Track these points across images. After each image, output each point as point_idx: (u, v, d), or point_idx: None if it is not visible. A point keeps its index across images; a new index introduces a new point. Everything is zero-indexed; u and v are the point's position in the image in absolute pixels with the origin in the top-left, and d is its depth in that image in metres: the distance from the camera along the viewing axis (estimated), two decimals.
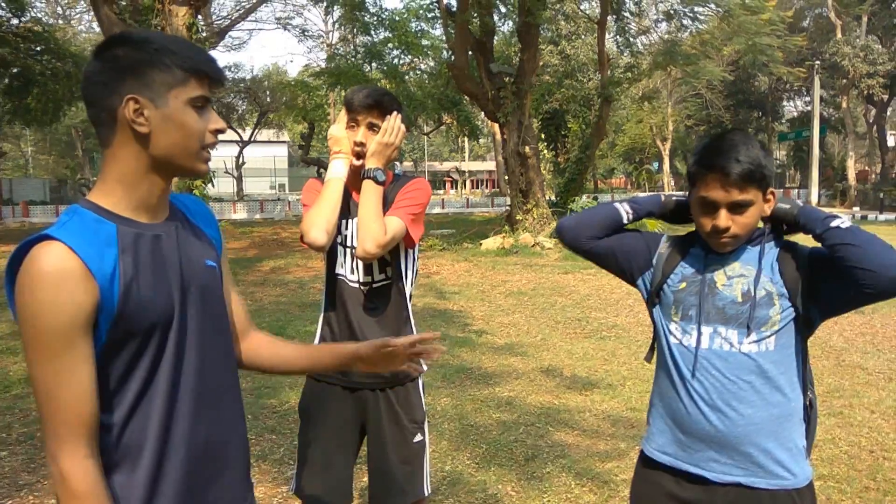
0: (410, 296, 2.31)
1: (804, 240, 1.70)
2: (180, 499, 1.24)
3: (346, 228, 2.23)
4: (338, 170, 2.17)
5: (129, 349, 1.18)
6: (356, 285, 2.21)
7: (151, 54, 1.19)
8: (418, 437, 2.28)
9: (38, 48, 18.35)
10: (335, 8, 20.72)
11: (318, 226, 2.07)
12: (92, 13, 12.55)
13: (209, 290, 1.32)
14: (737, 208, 1.58)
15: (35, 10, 22.64)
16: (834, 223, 1.58)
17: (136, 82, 1.17)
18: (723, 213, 1.59)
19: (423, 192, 2.27)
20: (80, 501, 1.12)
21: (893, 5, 32.48)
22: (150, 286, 1.20)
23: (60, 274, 1.10)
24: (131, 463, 1.20)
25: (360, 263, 2.20)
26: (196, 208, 1.41)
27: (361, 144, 2.17)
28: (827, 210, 1.69)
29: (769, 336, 1.65)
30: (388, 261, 2.23)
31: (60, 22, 31.12)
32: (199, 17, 10.72)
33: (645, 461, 1.82)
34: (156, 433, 1.21)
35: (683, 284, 1.71)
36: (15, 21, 18.33)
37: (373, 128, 2.18)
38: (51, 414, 1.13)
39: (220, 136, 1.30)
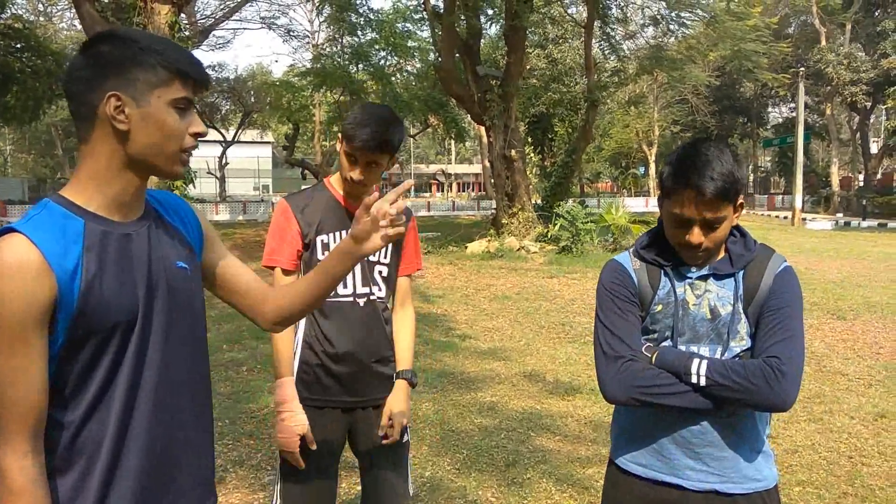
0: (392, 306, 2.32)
1: (780, 248, 1.68)
2: (135, 500, 1.22)
3: (338, 242, 2.18)
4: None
5: (90, 348, 1.16)
6: (349, 298, 2.16)
7: (136, 52, 1.18)
8: (406, 437, 2.29)
9: (19, 45, 18.12)
10: (325, 7, 20.63)
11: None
12: (73, 10, 12.41)
13: (178, 292, 1.29)
14: (709, 225, 1.58)
15: (15, 6, 22.35)
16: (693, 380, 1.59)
17: (119, 79, 1.17)
18: (696, 230, 1.58)
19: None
20: (15, 498, 1.10)
21: (877, 13, 32.87)
22: (114, 285, 1.18)
23: (18, 266, 1.09)
24: (87, 463, 1.18)
25: (359, 275, 2.17)
26: (173, 206, 1.38)
27: (360, 182, 2.07)
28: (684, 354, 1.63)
29: (741, 351, 1.65)
30: (388, 277, 2.24)
31: (41, 19, 30.80)
32: (183, 15, 10.63)
33: (617, 469, 1.80)
34: (113, 434, 1.19)
35: (660, 307, 1.70)
36: None
37: (371, 166, 2.07)
38: (3, 408, 1.11)
39: (200, 139, 1.29)
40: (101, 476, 1.19)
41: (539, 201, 19.74)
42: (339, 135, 2.15)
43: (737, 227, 1.70)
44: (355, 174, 2.07)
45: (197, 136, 1.25)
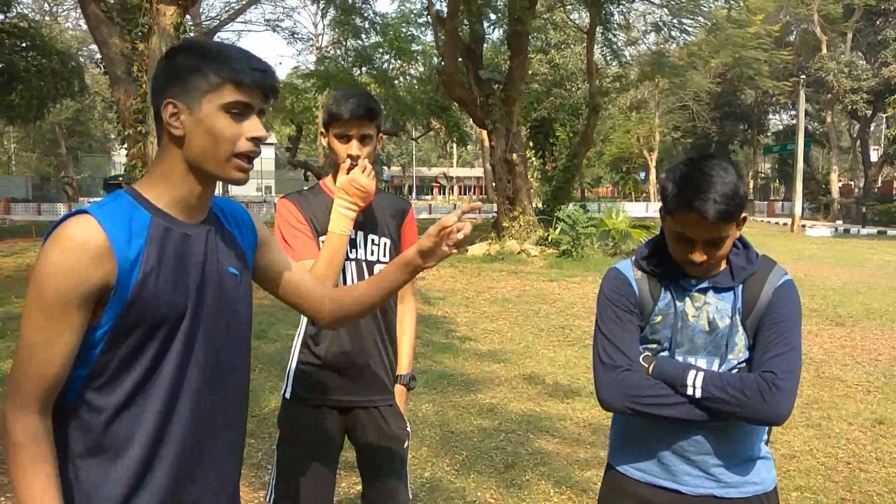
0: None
1: (779, 255, 1.70)
2: (165, 492, 1.24)
3: None
4: (345, 226, 2.05)
5: (134, 338, 1.20)
6: None
7: (195, 61, 1.23)
8: (406, 443, 2.30)
9: (24, 44, 18.18)
10: (330, 10, 20.71)
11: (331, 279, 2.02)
12: (79, 10, 12.49)
13: (228, 297, 1.33)
14: (713, 244, 1.59)
15: (21, 5, 22.42)
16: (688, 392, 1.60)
17: (177, 87, 1.23)
18: (699, 248, 1.59)
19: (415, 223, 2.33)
20: (16, 450, 1.15)
21: (878, 22, 32.95)
22: (168, 280, 1.22)
23: (79, 243, 1.14)
24: (116, 451, 1.21)
25: (356, 275, 2.17)
26: (233, 213, 1.44)
27: (357, 158, 2.09)
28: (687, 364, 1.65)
29: (737, 364, 1.66)
30: None
31: (47, 18, 30.88)
32: (188, 16, 10.68)
33: (615, 474, 1.80)
34: (151, 426, 1.22)
35: (659, 318, 1.71)
36: (0, 17, 18.18)
37: (364, 139, 2.10)
38: (21, 368, 1.16)
39: (262, 143, 1.30)
40: (133, 465, 1.22)
41: (540, 205, 19.79)
42: (322, 129, 2.17)
43: (739, 238, 1.70)
44: (353, 150, 2.08)
45: (255, 140, 1.26)
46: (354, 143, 2.09)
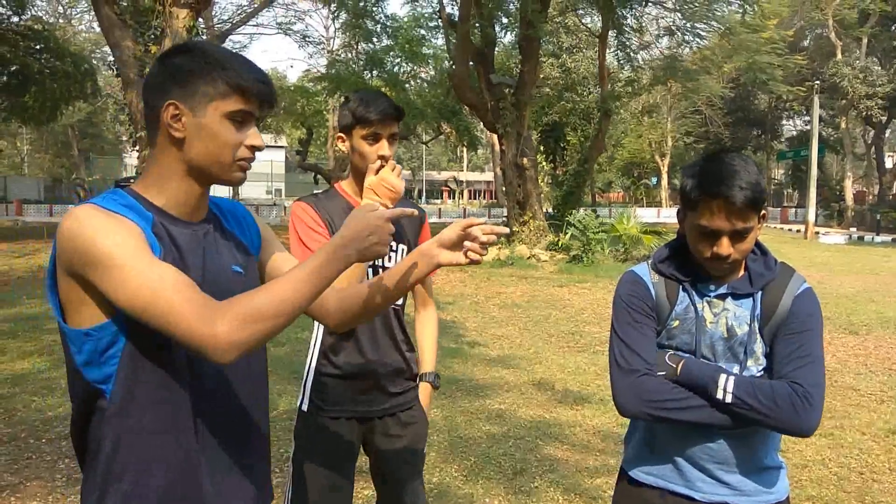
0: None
1: (792, 262, 1.68)
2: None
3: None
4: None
5: (147, 338, 1.18)
6: None
7: (202, 65, 1.24)
8: (423, 447, 2.29)
9: (38, 46, 18.38)
10: (341, 13, 20.84)
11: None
12: (93, 13, 12.60)
13: (233, 295, 1.29)
14: (738, 236, 1.56)
15: (36, 8, 22.72)
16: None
17: (181, 90, 1.24)
18: (725, 241, 1.56)
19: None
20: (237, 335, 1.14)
21: (893, 28, 32.72)
22: None
23: (108, 213, 1.17)
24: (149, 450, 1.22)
25: None
26: (231, 211, 1.45)
27: (387, 158, 2.06)
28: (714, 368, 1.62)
29: (757, 372, 1.64)
30: None
31: (61, 21, 31.21)
32: (200, 19, 10.74)
33: (629, 480, 1.79)
34: (169, 425, 1.23)
35: (676, 322, 1.69)
36: (15, 19, 18.40)
37: (392, 139, 2.09)
38: (167, 307, 1.12)
39: (257, 151, 1.34)
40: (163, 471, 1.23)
41: (550, 210, 19.77)
42: (340, 133, 2.13)
43: (757, 245, 1.68)
44: (384, 150, 2.06)
45: (253, 148, 1.30)
46: (384, 142, 2.07)
